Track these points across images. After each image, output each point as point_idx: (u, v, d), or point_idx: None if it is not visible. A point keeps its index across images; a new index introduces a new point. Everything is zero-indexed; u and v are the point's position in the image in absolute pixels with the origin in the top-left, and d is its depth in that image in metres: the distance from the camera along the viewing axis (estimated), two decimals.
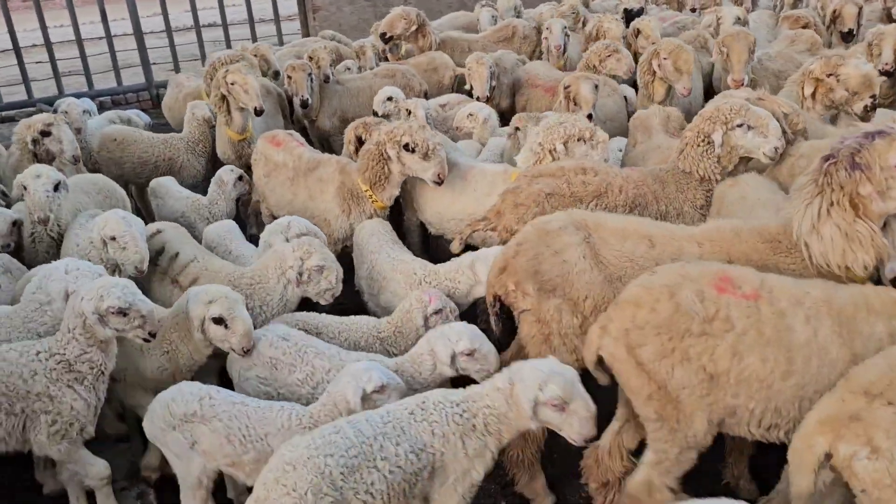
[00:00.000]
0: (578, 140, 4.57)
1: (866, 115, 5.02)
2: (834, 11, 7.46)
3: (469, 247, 4.48)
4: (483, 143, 6.08)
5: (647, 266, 3.21)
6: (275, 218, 5.21)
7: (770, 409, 2.79)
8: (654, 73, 5.98)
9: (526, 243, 3.37)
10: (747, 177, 4.15)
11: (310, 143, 6.59)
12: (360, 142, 5.58)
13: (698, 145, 4.16)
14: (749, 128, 4.06)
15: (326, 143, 7.69)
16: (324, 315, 4.06)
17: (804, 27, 7.37)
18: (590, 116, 5.50)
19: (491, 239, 4.34)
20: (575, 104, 5.66)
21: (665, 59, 5.87)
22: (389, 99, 6.37)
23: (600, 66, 6.57)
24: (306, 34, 13.19)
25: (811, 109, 5.07)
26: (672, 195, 4.23)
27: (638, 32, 7.27)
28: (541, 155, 4.60)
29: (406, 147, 4.76)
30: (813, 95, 5.12)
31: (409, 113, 5.84)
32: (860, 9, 7.53)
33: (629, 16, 8.44)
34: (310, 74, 6.96)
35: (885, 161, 2.96)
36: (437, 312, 3.85)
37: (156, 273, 4.49)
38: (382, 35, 8.39)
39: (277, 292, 4.04)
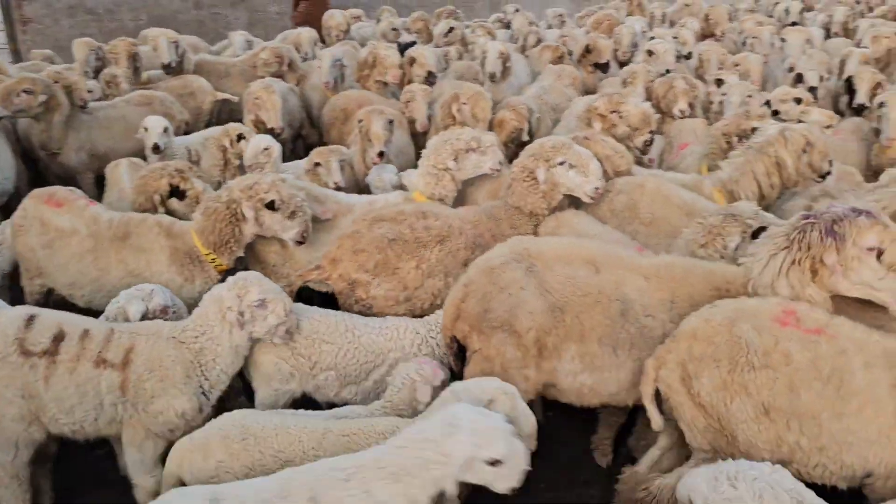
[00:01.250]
0: (468, 151, 4.63)
1: (646, 148, 5.44)
2: (587, 46, 8.12)
3: None
4: None
5: (590, 292, 3.24)
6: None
7: (819, 447, 2.76)
8: (454, 116, 5.96)
9: (472, 284, 3.34)
10: (570, 213, 4.29)
11: (49, 182, 5.56)
12: (173, 194, 4.77)
13: (524, 181, 4.24)
14: (571, 166, 4.18)
15: (72, 181, 6.53)
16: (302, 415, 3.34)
17: (559, 58, 7.94)
18: (381, 154, 5.36)
19: None
20: (368, 140, 5.44)
21: (464, 103, 5.90)
22: (266, 149, 5.52)
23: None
24: (15, 50, 11.31)
25: None
26: (507, 232, 4.24)
27: (413, 61, 7.23)
28: (438, 175, 4.63)
29: (270, 205, 4.14)
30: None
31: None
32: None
33: (402, 46, 8.42)
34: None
35: (861, 239, 2.90)
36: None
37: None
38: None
39: (225, 340, 3.40)
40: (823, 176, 4.55)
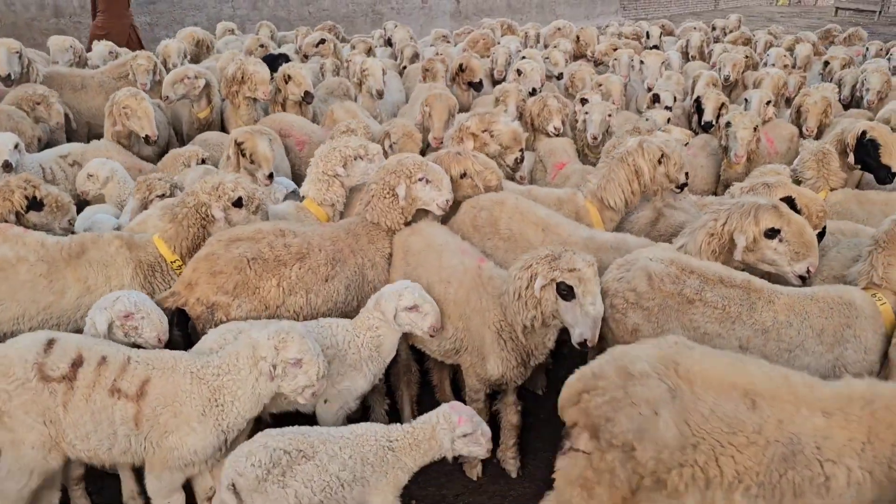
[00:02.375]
0: (356, 158, 4.69)
1: (516, 166, 5.57)
2: (461, 65, 8.24)
3: None
4: (118, 204, 5.47)
5: (741, 430, 2.63)
6: None
7: None
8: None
9: (603, 379, 2.81)
10: (424, 224, 4.35)
11: None
12: (31, 206, 4.62)
13: (384, 197, 4.25)
14: (427, 181, 4.25)
15: None
16: (316, 428, 3.38)
17: (433, 77, 8.03)
18: (271, 175, 5.29)
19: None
20: (252, 162, 5.30)
21: (394, 143, 5.83)
22: (90, 176, 5.37)
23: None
24: None
25: None
26: (365, 247, 4.27)
27: (288, 78, 7.10)
28: (328, 182, 4.67)
29: (237, 203, 4.25)
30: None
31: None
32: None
33: (275, 60, 8.22)
34: None
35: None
36: (465, 436, 3.37)
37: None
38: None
39: (249, 384, 3.30)
40: (681, 187, 4.84)
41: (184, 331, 3.97)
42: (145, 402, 3.19)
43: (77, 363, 3.18)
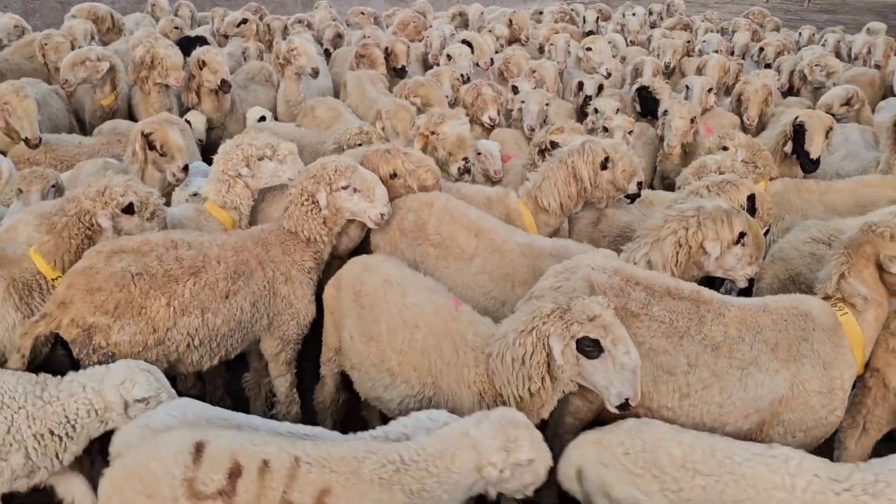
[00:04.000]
0: (262, 159, 4.22)
1: (461, 177, 4.97)
2: (387, 49, 7.79)
3: None
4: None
5: None
6: None
7: None
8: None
9: None
10: (378, 259, 3.75)
11: None
12: None
13: (302, 204, 3.82)
14: (355, 190, 3.82)
15: None
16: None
17: (371, 64, 7.54)
18: (186, 168, 4.80)
19: None
20: (163, 154, 4.77)
21: (386, 120, 5.44)
22: None
23: None
24: None
25: None
26: (278, 258, 3.80)
27: (202, 64, 6.51)
28: (230, 182, 4.23)
29: (128, 209, 3.76)
30: (424, 151, 5.01)
31: None
32: (408, 48, 8.06)
33: (191, 43, 7.60)
34: None
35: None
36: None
37: None
38: None
39: (460, 490, 2.70)
40: (631, 197, 4.44)
41: (69, 351, 3.47)
42: None
43: (234, 472, 2.57)
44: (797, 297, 3.33)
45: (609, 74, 7.76)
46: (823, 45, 10.14)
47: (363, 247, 4.32)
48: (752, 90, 6.44)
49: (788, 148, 5.38)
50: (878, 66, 8.52)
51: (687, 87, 6.74)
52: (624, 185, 4.35)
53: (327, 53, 9.05)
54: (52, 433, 3.00)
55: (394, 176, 4.25)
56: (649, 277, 3.27)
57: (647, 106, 6.68)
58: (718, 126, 6.47)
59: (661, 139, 5.93)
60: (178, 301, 3.42)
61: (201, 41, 7.94)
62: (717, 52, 8.97)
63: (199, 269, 3.49)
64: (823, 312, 3.22)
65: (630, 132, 5.71)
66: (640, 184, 4.40)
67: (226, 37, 9.17)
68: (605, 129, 5.70)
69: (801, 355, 3.11)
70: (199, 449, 2.60)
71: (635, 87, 6.84)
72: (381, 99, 6.74)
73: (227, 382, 4.43)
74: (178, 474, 2.55)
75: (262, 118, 6.67)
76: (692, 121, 5.77)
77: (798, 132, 5.29)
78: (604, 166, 4.28)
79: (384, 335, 3.37)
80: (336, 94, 7.55)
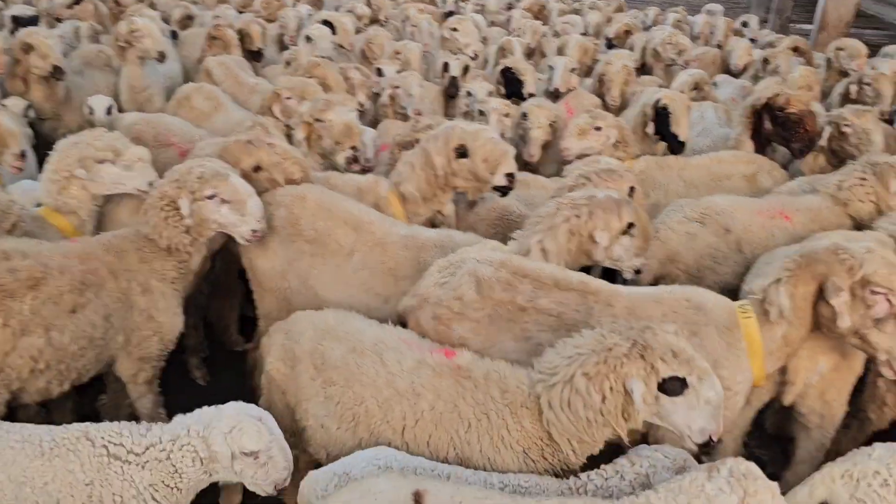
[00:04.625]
0: (100, 162, 3.76)
1: (349, 167, 4.71)
2: (241, 30, 7.30)
3: None
4: None
5: None
6: None
7: None
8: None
9: None
10: (329, 315, 3.21)
11: None
12: None
13: (162, 209, 3.48)
14: (223, 201, 3.49)
15: None
16: None
17: (224, 47, 7.00)
18: (23, 154, 4.41)
19: None
20: None
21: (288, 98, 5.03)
22: None
23: None
24: None
25: (308, 156, 4.63)
26: (134, 267, 3.45)
27: (29, 48, 5.76)
28: (62, 183, 3.77)
29: None
30: (308, 140, 4.72)
31: None
32: (264, 29, 7.61)
33: (19, 23, 6.75)
34: None
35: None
36: None
37: None
38: None
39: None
40: (502, 189, 4.11)
41: None
42: None
43: None
44: (692, 289, 3.26)
45: (476, 56, 7.68)
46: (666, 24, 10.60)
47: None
48: (614, 71, 6.56)
49: (650, 129, 5.49)
50: (719, 46, 9.03)
51: (550, 67, 6.76)
52: (486, 176, 4.03)
53: (174, 35, 8.38)
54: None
55: (258, 169, 3.95)
56: (536, 269, 3.18)
57: (511, 87, 6.63)
58: (580, 106, 6.51)
59: (522, 138, 5.67)
60: (17, 320, 2.99)
61: (33, 22, 7.10)
62: (584, 34, 9.13)
63: (39, 281, 3.07)
64: (720, 309, 3.11)
65: (507, 115, 5.61)
66: (510, 176, 4.05)
67: (58, 19, 8.27)
68: (482, 113, 5.59)
69: None
70: (417, 499, 2.33)
71: (499, 67, 6.79)
72: (262, 83, 6.31)
73: (76, 406, 3.95)
74: None
75: (110, 108, 6.04)
76: (550, 125, 5.58)
77: (662, 115, 5.42)
78: (462, 154, 4.01)
79: (375, 414, 2.85)
80: (186, 81, 6.98)
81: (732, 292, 3.63)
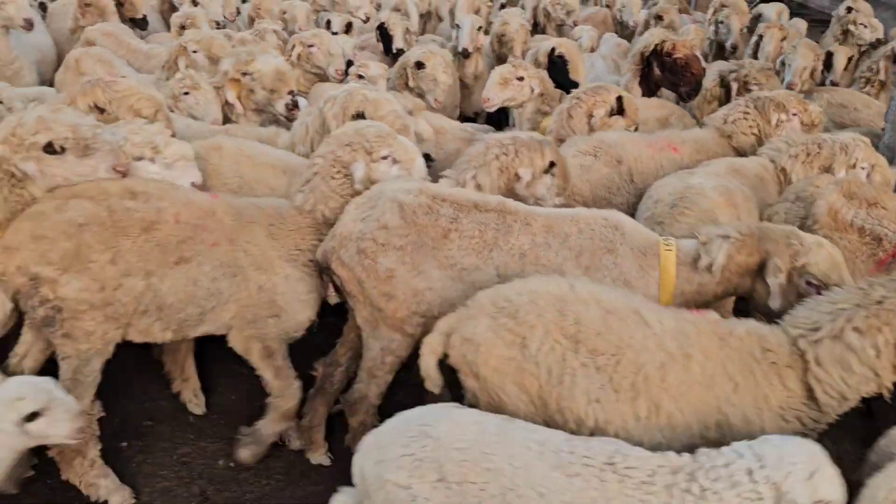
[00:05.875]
0: (137, 160, 3.38)
1: (290, 114, 4.60)
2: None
3: None
4: None
5: None
6: None
7: None
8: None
9: None
10: None
11: None
12: None
13: (333, 178, 3.33)
14: (394, 161, 3.36)
15: None
16: None
17: (100, 14, 6.53)
18: None
19: None
20: None
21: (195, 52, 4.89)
22: None
23: None
24: None
25: (242, 117, 4.52)
26: (257, 241, 3.29)
27: None
28: None
29: (49, 149, 3.05)
30: (240, 100, 4.60)
31: None
32: None
33: None
34: None
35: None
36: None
37: None
38: None
39: None
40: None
41: None
42: None
43: None
44: (610, 212, 3.29)
45: (367, 19, 7.54)
46: None
47: None
48: (513, 30, 6.58)
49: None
50: (608, 6, 9.26)
51: (457, 25, 6.67)
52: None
53: (43, 7, 7.78)
54: None
55: (100, 111, 3.76)
56: (454, 193, 3.22)
57: (385, 43, 6.58)
58: None
59: (421, 93, 5.54)
60: (124, 259, 3.02)
61: None
62: None
63: (150, 226, 3.06)
64: (638, 232, 3.18)
65: (388, 78, 5.48)
66: (428, 158, 3.84)
67: None
68: (361, 77, 5.34)
69: (601, 265, 3.08)
70: None
71: (377, 24, 6.70)
72: (156, 48, 5.93)
73: None
74: None
75: None
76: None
77: (558, 63, 5.49)
78: (356, 115, 3.88)
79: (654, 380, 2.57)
80: (60, 53, 6.52)
81: None
